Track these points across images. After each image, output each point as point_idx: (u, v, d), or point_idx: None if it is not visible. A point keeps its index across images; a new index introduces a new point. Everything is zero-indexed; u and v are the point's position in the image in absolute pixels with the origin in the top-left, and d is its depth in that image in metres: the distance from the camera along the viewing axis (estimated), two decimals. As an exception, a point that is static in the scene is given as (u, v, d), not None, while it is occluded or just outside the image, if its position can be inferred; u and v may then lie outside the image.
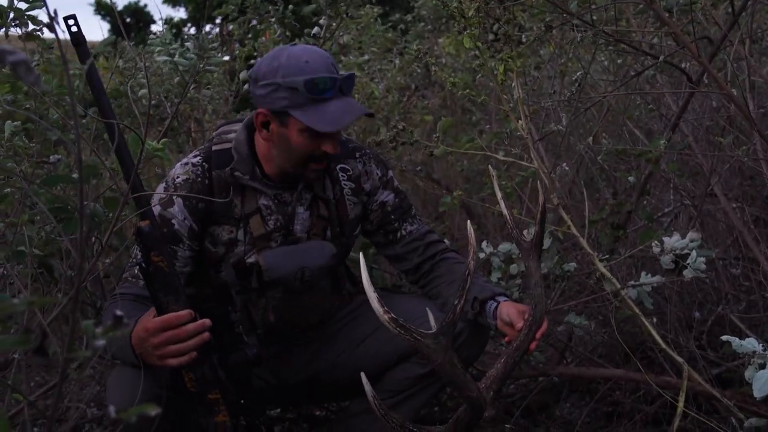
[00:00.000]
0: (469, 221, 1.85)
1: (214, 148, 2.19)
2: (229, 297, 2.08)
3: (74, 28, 1.69)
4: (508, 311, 2.09)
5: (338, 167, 2.27)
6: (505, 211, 2.00)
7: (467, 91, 2.51)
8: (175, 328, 1.80)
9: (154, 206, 2.03)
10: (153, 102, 3.38)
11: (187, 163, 2.16)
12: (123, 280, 2.16)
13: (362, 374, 1.74)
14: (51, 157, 2.04)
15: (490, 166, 2.27)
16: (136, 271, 2.08)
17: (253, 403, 1.97)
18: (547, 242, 2.50)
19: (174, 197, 2.11)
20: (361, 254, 1.75)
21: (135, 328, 1.84)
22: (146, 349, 1.83)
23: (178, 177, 2.13)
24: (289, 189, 2.21)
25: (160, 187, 2.16)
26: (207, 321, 1.84)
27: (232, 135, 2.19)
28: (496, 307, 2.15)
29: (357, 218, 2.34)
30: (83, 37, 1.69)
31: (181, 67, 2.95)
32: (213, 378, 1.87)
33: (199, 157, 2.16)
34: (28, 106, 2.23)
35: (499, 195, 2.02)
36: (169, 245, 2.06)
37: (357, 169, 2.30)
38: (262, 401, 2.43)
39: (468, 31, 2.32)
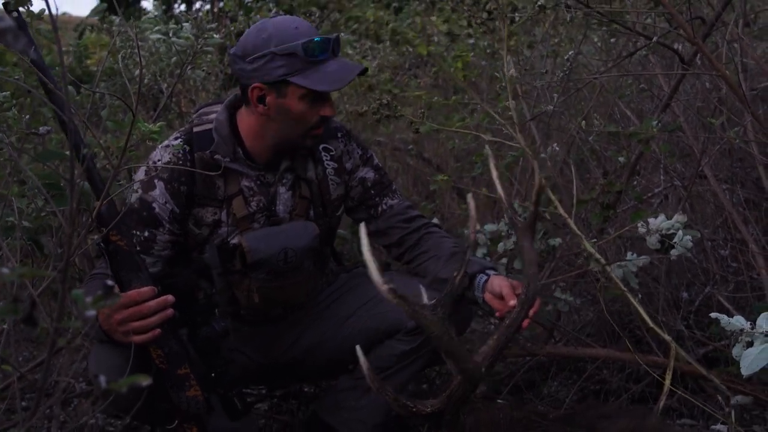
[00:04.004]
0: (470, 194, 1.83)
1: (195, 129, 2.17)
2: (210, 278, 2.08)
3: (15, 14, 1.65)
4: (500, 284, 2.10)
5: (321, 147, 2.27)
6: (500, 190, 2.00)
7: (465, 74, 2.49)
8: (138, 304, 1.80)
9: (135, 190, 2.05)
10: (146, 81, 3.34)
11: (168, 146, 2.15)
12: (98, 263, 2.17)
13: (357, 347, 1.74)
14: (40, 128, 2.02)
15: (486, 146, 2.26)
16: None
17: (224, 376, 1.97)
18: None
19: (155, 180, 2.10)
20: (362, 225, 1.73)
21: None
22: (111, 325, 1.83)
23: (160, 160, 2.12)
24: (272, 170, 2.21)
25: (141, 170, 2.15)
26: (170, 297, 1.84)
27: (213, 116, 2.18)
28: (486, 281, 2.15)
29: (340, 198, 2.34)
30: (24, 22, 1.64)
31: (177, 47, 2.92)
32: (181, 353, 1.87)
33: (180, 140, 2.15)
34: (17, 77, 2.20)
35: (494, 174, 2.01)
36: (149, 229, 2.07)
37: (339, 148, 2.30)
38: (251, 381, 2.44)
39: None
